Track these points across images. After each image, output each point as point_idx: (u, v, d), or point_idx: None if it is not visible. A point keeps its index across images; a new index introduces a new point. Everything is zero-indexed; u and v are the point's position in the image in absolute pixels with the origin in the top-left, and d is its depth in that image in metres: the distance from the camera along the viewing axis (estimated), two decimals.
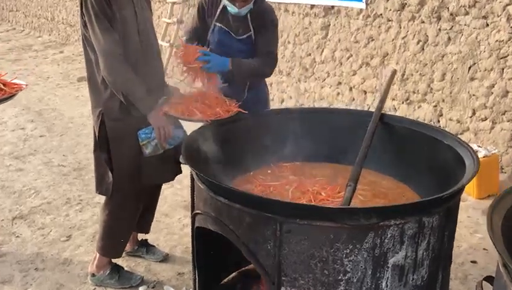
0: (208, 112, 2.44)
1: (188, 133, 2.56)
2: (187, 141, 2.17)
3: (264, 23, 2.65)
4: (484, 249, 3.14)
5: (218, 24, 2.67)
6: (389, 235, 1.69)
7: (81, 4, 2.28)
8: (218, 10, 2.66)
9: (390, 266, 1.73)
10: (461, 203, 3.64)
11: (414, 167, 2.37)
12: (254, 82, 2.79)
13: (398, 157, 2.43)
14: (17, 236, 3.35)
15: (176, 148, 2.59)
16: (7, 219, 3.58)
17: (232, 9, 2.56)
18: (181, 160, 2.10)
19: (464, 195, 3.66)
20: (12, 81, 1.89)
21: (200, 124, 2.41)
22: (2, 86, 1.80)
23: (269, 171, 2.50)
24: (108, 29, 2.24)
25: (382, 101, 2.62)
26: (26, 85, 1.98)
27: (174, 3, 7.43)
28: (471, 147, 2.14)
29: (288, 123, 2.62)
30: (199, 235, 2.16)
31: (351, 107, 5.02)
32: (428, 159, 2.33)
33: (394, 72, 2.79)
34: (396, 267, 1.74)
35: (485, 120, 3.91)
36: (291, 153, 2.56)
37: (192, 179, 2.13)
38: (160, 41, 7.53)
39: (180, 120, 2.51)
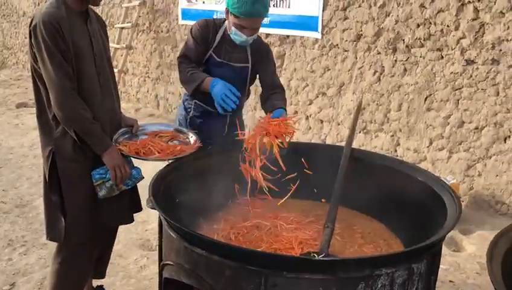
0: (166, 150, 2.29)
1: (144, 172, 2.40)
2: (153, 183, 2.00)
3: (265, 56, 2.64)
4: (450, 281, 3.13)
5: (213, 55, 2.56)
6: (379, 285, 1.61)
7: (30, 34, 2.07)
8: (216, 40, 2.55)
9: None
10: None
11: (388, 203, 2.32)
12: (234, 117, 2.71)
13: (371, 193, 2.36)
14: None
15: (132, 188, 2.42)
16: None
17: (240, 38, 2.45)
18: (147, 205, 1.92)
19: None
20: None
21: (157, 163, 2.25)
22: None
23: (238, 211, 2.37)
24: (60, 62, 2.04)
25: (351, 134, 2.57)
26: None
27: (122, 28, 7.21)
28: (446, 184, 2.13)
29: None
30: (168, 286, 1.97)
31: (308, 137, 5.00)
32: (402, 196, 2.29)
33: (360, 103, 2.76)
34: None
35: (442, 150, 3.98)
36: (260, 189, 2.43)
37: (160, 224, 1.95)
38: None
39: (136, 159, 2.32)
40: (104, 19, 7.91)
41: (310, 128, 5.02)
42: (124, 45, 7.08)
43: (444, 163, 3.97)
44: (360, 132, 4.57)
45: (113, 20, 7.72)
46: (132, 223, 3.69)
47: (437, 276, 1.93)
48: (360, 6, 4.36)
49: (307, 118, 5.03)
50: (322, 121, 4.91)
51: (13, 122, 6.90)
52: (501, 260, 1.46)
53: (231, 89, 2.40)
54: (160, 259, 1.98)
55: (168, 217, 1.76)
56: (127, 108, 7.51)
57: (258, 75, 2.69)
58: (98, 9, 7.93)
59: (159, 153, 2.32)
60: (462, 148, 3.85)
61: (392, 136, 4.33)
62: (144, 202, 2.15)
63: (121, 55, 7.24)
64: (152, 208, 1.88)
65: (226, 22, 2.53)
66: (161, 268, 1.95)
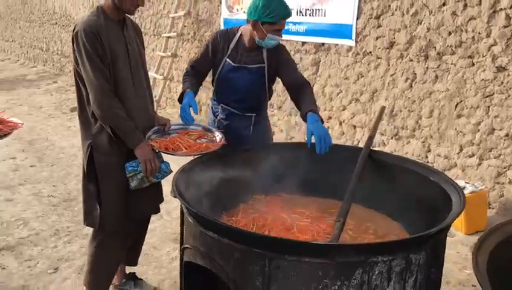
0: (193, 146, 2.48)
1: (174, 167, 2.61)
2: (177, 174, 2.19)
3: (281, 54, 2.75)
4: (473, 285, 3.14)
5: (228, 60, 2.75)
6: (376, 272, 1.70)
7: (73, 40, 2.34)
8: (231, 47, 2.74)
9: None
10: (450, 239, 3.69)
11: (402, 203, 2.40)
12: (259, 115, 2.88)
13: (387, 193, 2.46)
14: (3, 268, 3.30)
15: (159, 182, 2.64)
16: None
17: (275, 41, 2.64)
18: (171, 194, 2.11)
19: (452, 231, 3.72)
20: (9, 120, 1.92)
21: (187, 158, 2.45)
22: None
23: (257, 205, 2.51)
24: (98, 65, 2.29)
25: (371, 137, 2.67)
26: (22, 124, 2.01)
27: (169, 37, 7.57)
28: (457, 184, 2.19)
29: (278, 157, 2.66)
30: (188, 269, 2.15)
31: (341, 142, 5.09)
32: (416, 196, 2.36)
33: (383, 109, 2.86)
34: None
35: (472, 156, 3.98)
36: (280, 187, 2.59)
37: (182, 213, 2.14)
38: (154, 74, 7.64)
39: (166, 154, 2.53)
40: (152, 28, 8.33)
41: (343, 133, 5.11)
42: (170, 53, 7.42)
43: (473, 170, 3.96)
44: (392, 138, 4.62)
45: (160, 29, 8.11)
46: (167, 219, 3.98)
47: (441, 270, 2.01)
48: (393, 14, 4.44)
49: (341, 123, 5.13)
50: (355, 127, 4.99)
51: (66, 125, 7.39)
52: (488, 255, 1.53)
53: (191, 106, 2.62)
54: (182, 244, 2.16)
55: (186, 203, 1.94)
56: (171, 113, 7.87)
57: (280, 77, 2.81)
58: (147, 20, 8.37)
59: (186, 149, 2.51)
60: (493, 155, 3.84)
61: (423, 142, 4.35)
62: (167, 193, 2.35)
63: (167, 63, 7.59)
64: (174, 197, 2.07)
65: (241, 31, 2.75)
66: (182, 252, 2.14)
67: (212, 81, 2.91)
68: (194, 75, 2.85)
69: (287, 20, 2.67)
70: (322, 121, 2.56)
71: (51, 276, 3.21)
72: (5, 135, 1.84)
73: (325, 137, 2.42)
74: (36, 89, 10.67)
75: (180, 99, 2.72)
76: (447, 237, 3.76)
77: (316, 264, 1.67)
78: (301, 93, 2.69)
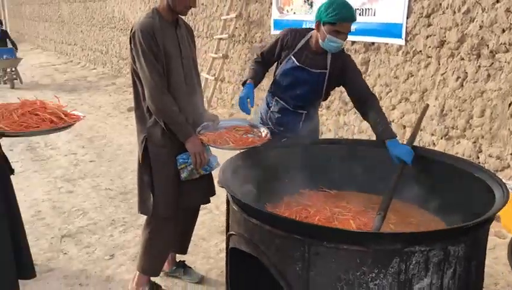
0: (239, 141, 2.60)
1: (221, 160, 2.74)
2: (224, 166, 2.31)
3: (346, 63, 2.79)
4: None
5: (293, 58, 2.81)
6: (414, 262, 1.73)
7: (130, 40, 2.52)
8: (298, 46, 2.81)
9: None
10: (501, 241, 3.61)
11: (446, 199, 2.40)
12: (310, 113, 2.95)
13: (430, 189, 2.47)
14: (65, 253, 3.56)
15: (209, 175, 2.77)
16: (56, 236, 3.81)
17: (335, 43, 2.65)
18: (218, 184, 2.23)
19: (504, 232, 3.63)
20: (72, 112, 2.12)
21: (234, 152, 2.56)
22: (63, 116, 2.01)
23: (301, 199, 2.59)
24: (153, 63, 2.45)
25: (413, 135, 2.69)
26: (84, 116, 2.21)
27: (220, 39, 7.77)
28: (501, 180, 2.17)
29: (322, 153, 2.73)
30: (233, 256, 2.27)
31: None
32: (459, 192, 2.36)
33: (426, 107, 2.86)
34: None
35: None
36: (324, 182, 2.66)
37: (228, 202, 2.26)
38: (206, 75, 7.88)
39: (214, 148, 2.66)
40: (205, 31, 8.58)
41: None
42: (221, 55, 7.63)
43: None
44: (441, 138, 4.55)
45: (213, 31, 8.34)
46: (216, 213, 4.13)
47: (482, 264, 2.01)
48: (443, 13, 4.38)
49: (390, 123, 5.10)
50: (404, 127, 4.95)
51: (123, 124, 7.76)
52: None
53: (249, 98, 2.74)
54: (227, 231, 2.28)
55: (231, 192, 2.06)
56: (222, 113, 8.07)
57: (344, 87, 2.85)
58: (200, 22, 8.63)
59: (233, 143, 2.64)
60: None
61: (474, 142, 4.27)
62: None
63: (218, 64, 7.79)
64: (221, 186, 2.19)
65: (311, 33, 2.80)
66: (227, 239, 2.25)
67: (274, 73, 2.99)
68: (260, 64, 2.97)
69: (350, 26, 2.65)
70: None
71: (107, 262, 3.43)
72: (69, 126, 2.03)
73: (410, 155, 2.52)
74: (96, 90, 11.24)
75: (244, 85, 2.87)
76: (499, 239, 3.71)
77: (354, 252, 1.73)
78: (370, 109, 2.72)
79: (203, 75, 7.87)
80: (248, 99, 2.75)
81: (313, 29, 2.81)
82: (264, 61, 2.98)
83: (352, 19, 2.64)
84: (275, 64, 2.98)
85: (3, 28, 12.68)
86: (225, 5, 7.72)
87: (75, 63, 15.93)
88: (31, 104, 2.05)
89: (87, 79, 12.73)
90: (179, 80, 2.59)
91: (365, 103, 2.75)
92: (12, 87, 11.33)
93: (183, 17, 2.69)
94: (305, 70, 2.80)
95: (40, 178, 5.20)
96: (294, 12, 6.40)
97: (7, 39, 12.32)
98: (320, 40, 2.70)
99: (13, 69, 11.58)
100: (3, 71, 11.61)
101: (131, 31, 2.51)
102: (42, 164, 5.71)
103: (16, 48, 12.22)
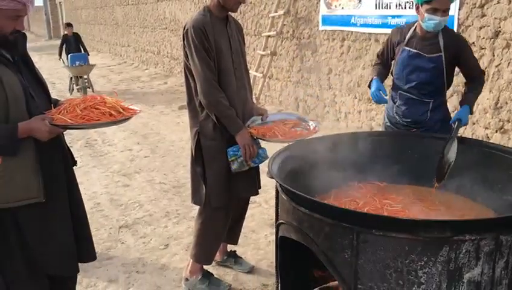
0: (288, 134, 2.65)
1: (270, 153, 2.81)
2: (273, 158, 2.38)
3: (460, 44, 2.83)
4: None
5: (407, 48, 2.88)
6: (464, 250, 1.73)
7: (183, 37, 2.64)
8: (407, 37, 2.89)
9: (466, 281, 1.76)
10: None
11: (499, 192, 2.36)
12: (437, 101, 2.95)
13: (483, 182, 2.43)
14: (123, 243, 3.76)
15: (257, 169, 2.86)
16: (115, 227, 4.02)
17: (433, 20, 2.69)
18: (267, 175, 2.30)
19: None
20: (129, 107, 2.25)
21: (283, 145, 2.62)
22: (121, 110, 2.14)
23: (350, 191, 2.62)
24: (205, 58, 2.56)
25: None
26: (140, 110, 2.34)
27: (268, 36, 7.85)
28: None
29: (372, 145, 2.74)
30: (283, 244, 2.33)
31: None
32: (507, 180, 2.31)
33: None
34: (472, 283, 1.76)
35: None
36: (373, 174, 2.67)
37: (277, 192, 2.32)
38: (254, 72, 7.98)
39: (263, 141, 2.74)
40: (253, 28, 8.72)
41: None
42: (269, 52, 7.70)
43: None
44: (496, 132, 4.42)
45: (261, 29, 8.43)
46: (265, 207, 4.21)
47: None
48: (498, 2, 4.25)
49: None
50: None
51: (175, 121, 8.00)
52: None
53: (380, 89, 2.88)
54: (277, 220, 2.35)
55: (280, 181, 2.12)
56: (270, 110, 8.09)
57: (458, 67, 2.89)
58: (249, 20, 8.74)
59: (281, 136, 2.70)
60: None
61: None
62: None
63: (266, 62, 7.87)
64: (270, 177, 2.26)
65: (416, 22, 2.86)
66: (277, 228, 2.32)
67: (391, 71, 3.08)
68: (381, 64, 3.10)
69: (448, 3, 2.68)
70: (471, 112, 2.79)
71: (162, 251, 3.59)
72: (127, 119, 2.16)
73: (462, 119, 2.70)
74: (149, 89, 11.61)
75: (370, 86, 2.99)
76: None
77: (402, 240, 1.74)
78: (470, 84, 2.88)
79: (252, 72, 7.98)
80: (380, 91, 2.88)
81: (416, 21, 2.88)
82: (382, 62, 3.10)
83: None
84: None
85: (74, 31, 11.79)
86: (273, 2, 7.79)
87: (129, 64, 16.51)
88: (92, 98, 2.18)
89: (141, 79, 13.16)
90: (229, 75, 2.68)
91: (474, 79, 2.86)
92: (85, 95, 10.51)
93: (233, 14, 2.77)
94: (421, 56, 2.84)
95: (99, 172, 5.47)
96: (343, 8, 6.37)
97: (79, 44, 11.48)
98: (421, 22, 2.77)
99: (86, 76, 10.81)
100: (76, 78, 10.72)
101: (184, 29, 2.63)
102: (100, 160, 6.00)
103: (88, 54, 11.45)
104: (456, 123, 2.66)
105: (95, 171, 5.51)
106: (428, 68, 2.83)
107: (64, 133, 2.19)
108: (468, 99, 2.80)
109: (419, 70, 2.85)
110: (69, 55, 10.77)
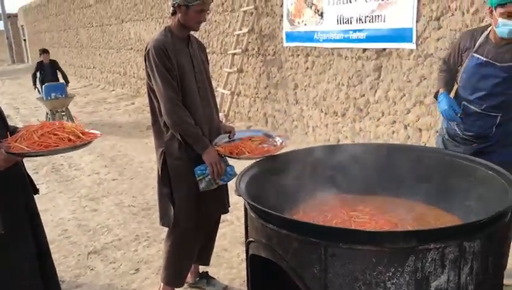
0: (255, 151, 2.66)
1: (238, 170, 2.81)
2: (240, 175, 2.38)
3: None
4: None
5: (476, 55, 2.66)
6: (429, 259, 1.75)
7: (145, 58, 2.63)
8: (478, 43, 2.67)
9: (433, 289, 1.79)
10: None
11: (464, 199, 2.41)
12: (506, 119, 2.70)
13: (448, 190, 2.49)
14: (92, 269, 3.66)
15: (226, 187, 2.85)
16: (83, 253, 3.92)
17: (507, 26, 2.47)
18: (235, 193, 2.30)
19: None
20: (90, 131, 2.22)
21: (251, 162, 2.62)
22: (81, 135, 2.11)
23: (318, 205, 2.63)
24: (167, 78, 2.55)
25: None
26: (100, 134, 2.31)
27: (234, 54, 7.90)
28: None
29: (337, 158, 2.77)
30: (253, 263, 2.32)
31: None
32: (477, 191, 2.37)
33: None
34: None
35: None
36: (340, 187, 2.69)
37: (246, 210, 2.31)
38: (222, 90, 8.00)
39: (231, 159, 2.73)
40: (219, 47, 8.75)
41: (409, 137, 5.08)
42: (236, 69, 7.75)
43: None
44: None
45: (227, 47, 8.48)
46: (237, 224, 4.18)
47: (500, 260, 2.02)
48: (453, 14, 4.40)
49: (406, 127, 5.11)
50: (420, 130, 4.95)
51: (143, 142, 7.91)
52: None
53: (452, 106, 2.71)
54: (247, 238, 2.34)
55: (248, 199, 2.12)
56: (239, 126, 8.16)
57: None
58: (214, 39, 8.78)
59: (248, 153, 2.71)
60: None
61: None
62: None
63: (234, 79, 7.91)
64: (238, 195, 2.25)
65: (490, 27, 2.63)
66: (247, 246, 2.31)
67: (456, 80, 2.86)
68: (446, 72, 2.90)
69: None
70: None
71: (132, 276, 3.51)
72: (87, 144, 2.12)
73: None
74: (115, 110, 11.47)
75: (436, 97, 2.87)
76: None
77: (369, 252, 1.76)
78: None
79: (220, 90, 8.00)
80: (452, 108, 2.71)
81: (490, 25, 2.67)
82: (448, 68, 2.89)
83: None
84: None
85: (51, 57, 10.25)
86: (237, 20, 7.86)
87: (95, 86, 16.31)
88: (50, 124, 2.15)
89: (107, 100, 13.01)
90: (193, 93, 2.68)
91: None
92: None
93: (196, 34, 2.79)
94: (492, 65, 2.61)
95: (65, 198, 5.34)
96: (306, 24, 6.48)
97: (57, 70, 9.98)
98: (494, 28, 2.55)
99: (63, 109, 9.26)
100: (52, 113, 9.07)
101: (145, 50, 2.62)
102: (67, 185, 5.87)
103: (67, 81, 9.84)
104: None
105: (62, 197, 5.38)
106: (500, 78, 2.59)
107: (26, 160, 2.13)
108: None
109: (489, 80, 2.62)
110: (43, 86, 9.15)
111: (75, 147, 2.06)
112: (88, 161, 6.87)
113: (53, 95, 8.97)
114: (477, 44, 2.66)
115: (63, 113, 9.15)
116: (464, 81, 2.74)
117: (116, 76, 14.85)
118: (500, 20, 2.47)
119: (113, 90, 14.79)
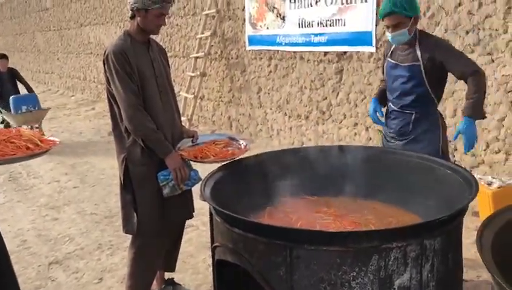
0: (220, 154, 2.65)
1: (203, 175, 2.79)
2: (205, 180, 2.36)
3: (437, 49, 2.79)
4: None
5: (389, 59, 3.00)
6: (392, 258, 1.79)
7: (104, 63, 2.58)
8: (391, 49, 3.00)
9: (397, 287, 1.82)
10: None
11: (422, 198, 2.47)
12: (421, 113, 2.91)
13: (406, 189, 2.55)
14: (53, 280, 3.55)
15: (190, 189, 2.82)
16: (44, 264, 3.79)
17: (388, 36, 2.87)
18: (200, 198, 2.28)
19: None
20: (48, 138, 2.16)
21: (216, 166, 2.61)
22: (39, 142, 2.05)
23: (283, 207, 2.65)
24: (127, 83, 2.51)
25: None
26: (59, 141, 2.25)
27: (197, 57, 7.86)
28: (471, 175, 2.27)
29: (301, 160, 2.80)
30: (220, 268, 2.30)
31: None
32: (435, 189, 2.44)
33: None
34: (402, 288, 1.83)
35: (498, 152, 3.99)
36: (305, 189, 2.72)
37: (211, 214, 2.30)
38: (185, 94, 7.94)
39: (196, 163, 2.71)
40: (181, 50, 8.69)
41: (370, 138, 5.18)
42: (199, 73, 7.71)
43: (501, 165, 3.97)
44: None
45: (189, 51, 8.43)
46: (203, 229, 4.15)
47: (459, 256, 2.08)
48: None
49: (367, 129, 5.21)
50: (381, 131, 5.05)
51: (105, 148, 7.74)
52: (493, 235, 1.61)
53: (376, 110, 3.08)
54: (212, 243, 2.32)
55: (213, 203, 2.11)
56: (203, 130, 8.12)
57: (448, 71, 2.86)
58: (176, 42, 8.71)
59: (213, 156, 2.70)
60: None
61: (450, 141, 4.38)
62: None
63: (197, 83, 7.86)
64: (203, 200, 2.24)
65: None
66: (213, 251, 2.29)
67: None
68: (383, 79, 3.20)
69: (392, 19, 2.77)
70: (482, 117, 2.79)
71: (96, 286, 3.42)
72: (45, 152, 2.07)
73: (470, 139, 2.77)
74: (76, 116, 11.20)
75: None
76: None
77: (333, 252, 1.78)
78: (467, 90, 2.76)
79: (182, 94, 7.93)
80: (376, 112, 3.02)
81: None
82: (383, 76, 3.16)
83: (386, 12, 2.77)
84: None
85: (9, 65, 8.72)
86: (199, 24, 7.83)
87: (54, 91, 15.87)
88: (6, 132, 2.08)
89: (67, 106, 12.68)
90: (154, 97, 2.65)
91: (468, 83, 2.76)
92: None
93: (158, 38, 2.75)
94: (399, 66, 2.91)
95: (24, 207, 5.16)
96: (268, 28, 6.52)
97: (17, 82, 8.49)
98: None
99: (37, 125, 8.00)
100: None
101: (104, 54, 2.57)
102: (25, 194, 5.68)
103: (29, 91, 8.43)
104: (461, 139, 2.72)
105: (21, 207, 5.20)
106: (405, 77, 2.86)
107: None
108: (467, 109, 2.72)
109: (399, 80, 2.90)
110: (11, 99, 7.65)
111: (34, 156, 2.00)
112: (47, 169, 6.67)
113: (24, 108, 7.72)
114: (391, 49, 2.99)
115: (36, 129, 7.74)
116: (387, 83, 3.06)
117: (75, 81, 14.50)
118: (386, 33, 2.88)
119: (72, 96, 14.43)
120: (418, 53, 2.81)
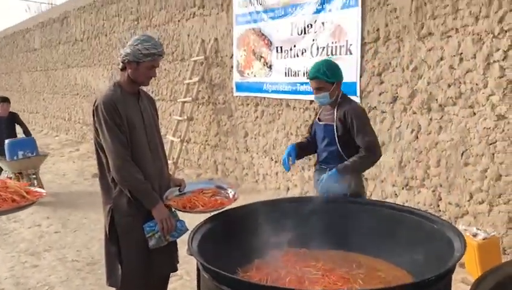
0: (208, 204, 2.64)
1: (190, 225, 2.76)
2: (192, 233, 2.34)
3: (348, 118, 2.98)
4: None
5: (316, 119, 3.23)
6: None
7: (93, 113, 2.60)
8: (322, 108, 3.20)
9: None
10: (465, 286, 3.69)
11: (409, 252, 2.48)
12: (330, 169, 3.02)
13: (394, 243, 2.56)
14: None
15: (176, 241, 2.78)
16: None
17: (314, 98, 3.12)
18: (187, 252, 2.25)
19: (467, 277, 3.73)
20: (34, 190, 2.14)
21: (204, 216, 2.60)
22: (25, 194, 2.03)
23: (271, 261, 2.62)
24: (116, 134, 2.52)
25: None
26: (46, 193, 2.23)
27: (184, 102, 7.93)
28: (458, 230, 2.29)
29: (288, 212, 2.80)
30: None
31: None
32: (422, 244, 2.45)
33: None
34: None
35: (482, 203, 4.04)
36: (293, 241, 2.71)
37: (198, 270, 2.27)
38: (171, 137, 7.95)
39: (183, 213, 2.69)
40: (168, 94, 8.74)
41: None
42: (186, 117, 7.75)
43: (485, 216, 4.02)
44: (403, 189, 4.72)
45: (176, 95, 8.51)
46: (187, 279, 4.07)
47: None
48: (394, 70, 4.67)
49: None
50: (366, 179, 5.09)
51: (88, 191, 7.64)
52: None
53: (290, 156, 3.14)
54: None
55: (201, 260, 2.08)
56: (189, 174, 8.09)
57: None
58: (163, 86, 8.80)
59: (202, 206, 2.68)
60: (502, 201, 3.90)
61: (434, 191, 4.44)
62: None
63: (184, 127, 7.89)
64: (190, 254, 2.21)
65: None
66: None
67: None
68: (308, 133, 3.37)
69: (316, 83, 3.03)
70: (344, 175, 2.94)
71: None
72: (32, 204, 2.04)
73: (324, 185, 2.94)
74: (59, 157, 11.08)
75: None
76: (465, 285, 3.79)
77: None
78: (355, 155, 2.98)
79: (169, 137, 7.95)
80: (290, 157, 3.12)
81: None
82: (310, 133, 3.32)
83: (312, 77, 3.04)
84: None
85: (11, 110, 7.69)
86: (187, 69, 7.95)
87: (38, 131, 15.73)
88: None
89: (50, 146, 12.55)
90: (143, 148, 2.65)
91: (360, 152, 2.97)
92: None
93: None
94: (318, 124, 3.17)
95: (3, 253, 5.01)
96: (255, 75, 6.65)
97: (16, 126, 7.61)
98: None
99: (34, 171, 7.22)
100: (17, 177, 6.86)
101: (94, 105, 2.59)
102: (5, 238, 5.53)
103: (27, 134, 7.62)
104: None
105: (0, 252, 5.06)
106: (322, 136, 3.10)
107: None
108: (340, 165, 2.94)
109: (319, 138, 3.13)
110: (6, 143, 6.90)
111: (20, 208, 1.98)
112: (28, 212, 6.51)
113: (20, 154, 6.93)
114: (321, 110, 3.22)
115: (33, 176, 7.13)
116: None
117: (60, 121, 14.44)
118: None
119: (56, 136, 14.33)
120: (335, 115, 3.03)
